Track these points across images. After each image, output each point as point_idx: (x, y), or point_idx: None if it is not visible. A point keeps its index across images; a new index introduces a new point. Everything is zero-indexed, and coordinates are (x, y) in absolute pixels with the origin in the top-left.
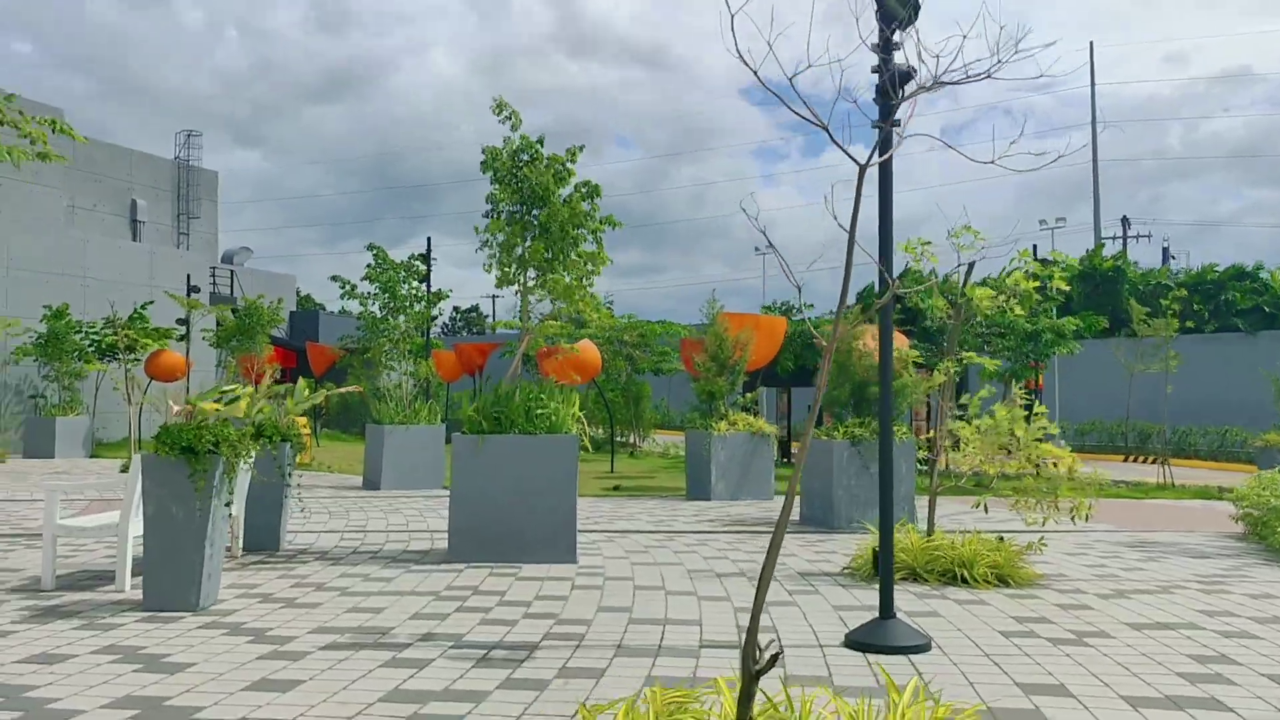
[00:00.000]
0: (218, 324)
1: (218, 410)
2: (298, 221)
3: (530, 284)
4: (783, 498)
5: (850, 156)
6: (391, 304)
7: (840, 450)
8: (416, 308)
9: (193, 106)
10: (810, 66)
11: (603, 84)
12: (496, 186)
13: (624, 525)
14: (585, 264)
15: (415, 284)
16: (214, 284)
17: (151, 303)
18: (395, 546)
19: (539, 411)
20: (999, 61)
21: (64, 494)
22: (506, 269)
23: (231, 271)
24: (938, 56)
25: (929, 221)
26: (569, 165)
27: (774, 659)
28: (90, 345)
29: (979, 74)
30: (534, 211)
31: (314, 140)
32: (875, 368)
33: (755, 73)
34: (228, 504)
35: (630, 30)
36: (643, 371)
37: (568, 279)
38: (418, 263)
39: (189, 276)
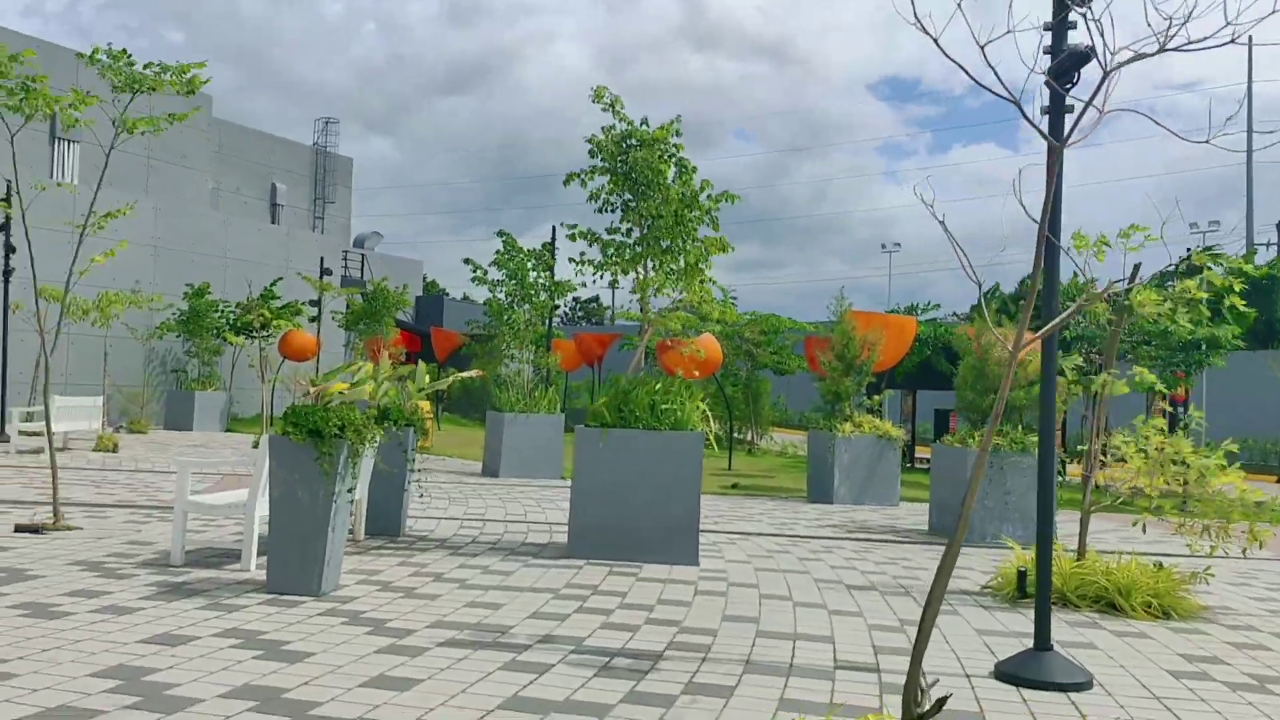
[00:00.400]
0: (347, 306)
1: (344, 392)
2: (426, 209)
3: (648, 276)
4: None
5: (1044, 135)
6: (519, 291)
7: (975, 460)
8: (541, 296)
9: (330, 97)
10: (1009, 32)
11: (725, 78)
12: (599, 178)
13: (744, 526)
14: (703, 250)
15: (543, 273)
16: (345, 267)
17: (280, 279)
18: (514, 538)
19: (664, 406)
20: (1229, 23)
21: (198, 468)
22: (618, 264)
23: (362, 255)
24: (1169, 19)
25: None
26: (673, 141)
27: (940, 704)
28: (227, 323)
29: (1211, 36)
30: (645, 201)
31: (443, 131)
32: (1016, 374)
33: (936, 40)
34: (351, 489)
35: (755, 24)
36: (763, 368)
37: (682, 263)
38: (546, 252)
39: (322, 259)
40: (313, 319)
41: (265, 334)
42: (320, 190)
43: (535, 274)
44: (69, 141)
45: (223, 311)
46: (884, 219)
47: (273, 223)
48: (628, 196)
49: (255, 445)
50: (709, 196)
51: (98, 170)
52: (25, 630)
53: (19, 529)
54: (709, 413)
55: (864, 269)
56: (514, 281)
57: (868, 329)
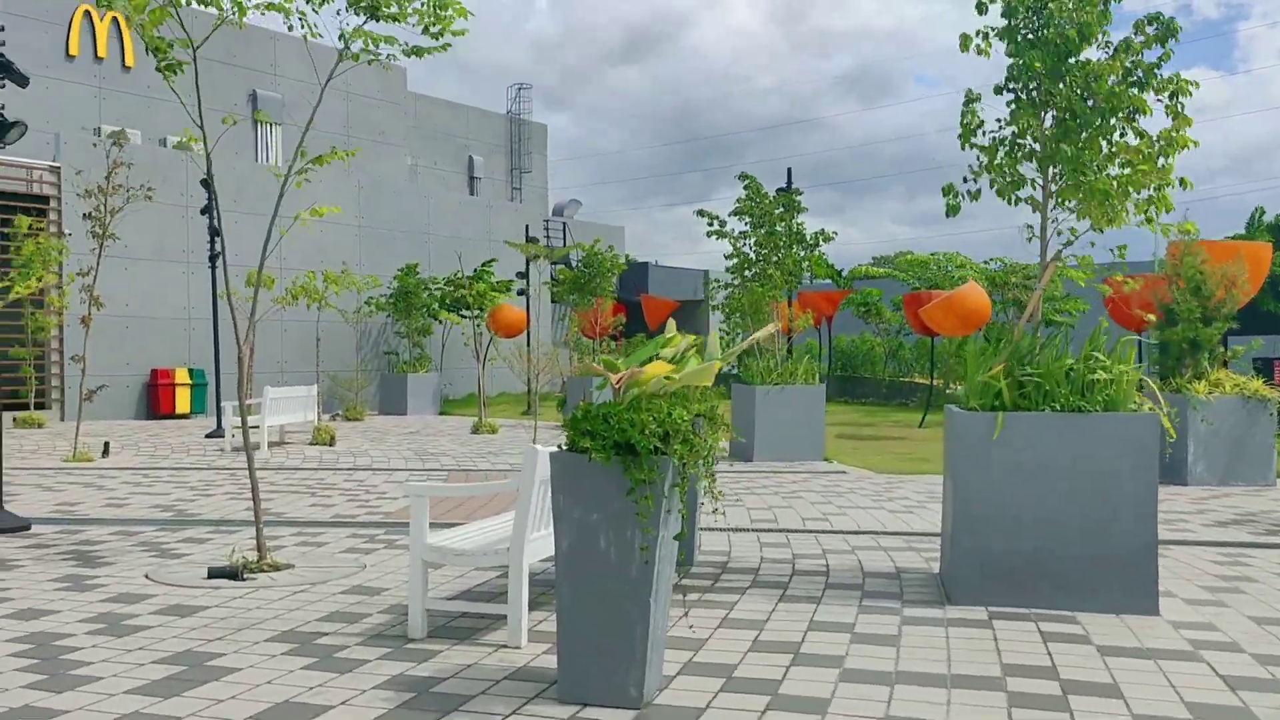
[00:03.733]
0: (553, 278)
1: (670, 378)
2: (605, 180)
3: (1055, 189)
4: None
5: None
6: (769, 243)
7: None
8: (795, 249)
9: (510, 76)
10: None
11: (906, 21)
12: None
13: None
14: (1148, 150)
15: (795, 221)
16: (547, 237)
17: (495, 260)
18: (843, 561)
19: (1091, 377)
20: None
21: (436, 492)
22: (1001, 172)
23: (564, 224)
24: None
25: None
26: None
27: None
28: (438, 301)
29: None
30: (1056, 84)
31: (618, 101)
32: None
33: None
34: (679, 537)
35: None
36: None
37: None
38: (794, 196)
39: (527, 228)
40: (521, 292)
41: (479, 311)
42: (516, 159)
43: (784, 224)
44: (271, 125)
45: (430, 290)
46: None
47: (471, 195)
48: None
49: (475, 430)
50: (1154, 76)
51: (301, 154)
52: None
53: (214, 574)
54: (1150, 383)
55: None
56: (761, 230)
57: (1224, 261)
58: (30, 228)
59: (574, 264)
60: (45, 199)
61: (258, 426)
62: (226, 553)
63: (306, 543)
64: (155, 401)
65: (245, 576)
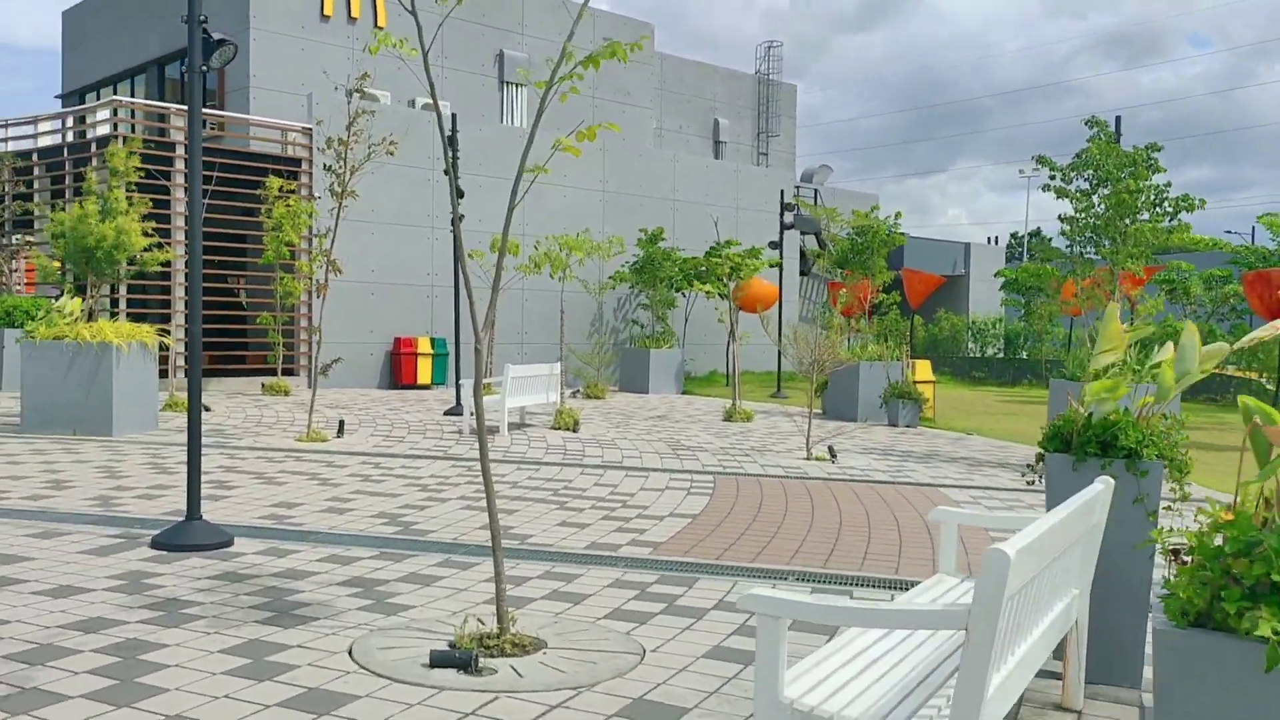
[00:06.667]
0: (801, 252)
1: None
2: (837, 150)
3: None
4: None
5: None
6: (1119, 207)
7: None
8: (1146, 216)
9: (741, 46)
10: None
11: None
12: None
13: None
14: None
15: (1149, 183)
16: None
17: (735, 243)
18: None
19: None
20: None
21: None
22: None
23: (815, 190)
24: None
25: None
26: None
27: None
28: (682, 273)
29: None
30: None
31: (852, 69)
32: None
33: None
34: None
35: None
36: None
37: None
38: (1149, 152)
39: (782, 193)
40: (773, 265)
41: (728, 284)
42: (763, 123)
43: (1141, 187)
44: (517, 85)
45: (676, 260)
46: None
47: (716, 159)
48: None
49: (727, 418)
50: None
51: (568, 56)
52: None
53: (437, 663)
54: None
55: None
56: (1106, 190)
57: None
58: (281, 190)
59: (834, 236)
60: (297, 161)
61: (498, 410)
62: (457, 610)
63: (558, 593)
64: (398, 371)
65: (479, 667)
